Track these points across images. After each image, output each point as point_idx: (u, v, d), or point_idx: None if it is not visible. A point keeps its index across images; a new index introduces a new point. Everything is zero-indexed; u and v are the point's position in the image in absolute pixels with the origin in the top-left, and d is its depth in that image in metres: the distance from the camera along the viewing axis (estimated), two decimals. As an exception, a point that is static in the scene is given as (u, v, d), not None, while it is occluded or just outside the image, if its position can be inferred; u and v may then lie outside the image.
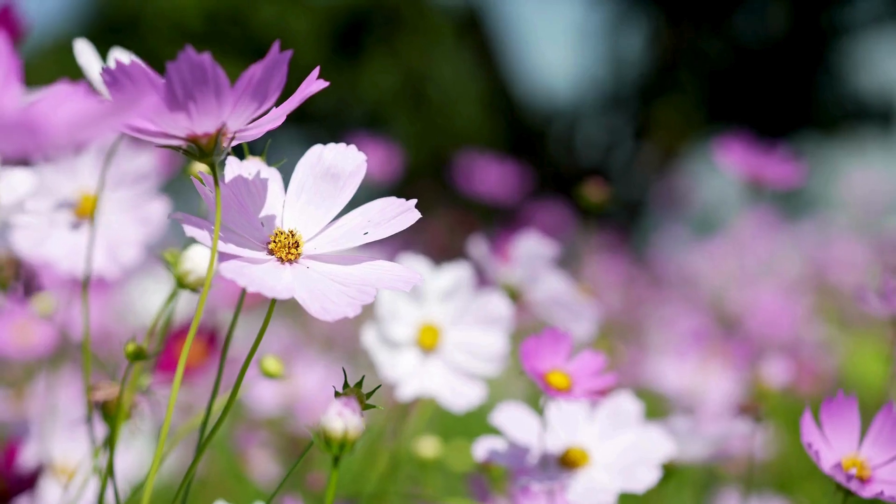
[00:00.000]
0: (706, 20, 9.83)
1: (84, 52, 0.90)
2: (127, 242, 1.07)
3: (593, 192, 1.72)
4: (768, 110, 9.49)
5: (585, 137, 10.09)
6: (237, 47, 8.36)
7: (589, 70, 10.52)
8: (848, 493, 0.83)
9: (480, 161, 3.77)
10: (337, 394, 0.75)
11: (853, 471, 0.83)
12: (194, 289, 0.87)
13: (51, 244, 1.05)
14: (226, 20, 8.99)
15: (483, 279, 1.25)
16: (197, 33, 8.76)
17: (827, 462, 0.83)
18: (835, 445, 0.85)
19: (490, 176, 3.70)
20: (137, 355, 0.84)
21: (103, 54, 0.95)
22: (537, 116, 10.11)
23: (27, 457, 1.04)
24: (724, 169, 1.93)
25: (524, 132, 9.82)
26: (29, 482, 0.99)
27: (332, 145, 0.75)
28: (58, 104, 0.53)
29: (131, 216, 1.08)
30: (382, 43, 9.42)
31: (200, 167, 1.05)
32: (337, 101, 8.77)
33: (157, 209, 1.08)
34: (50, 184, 1.07)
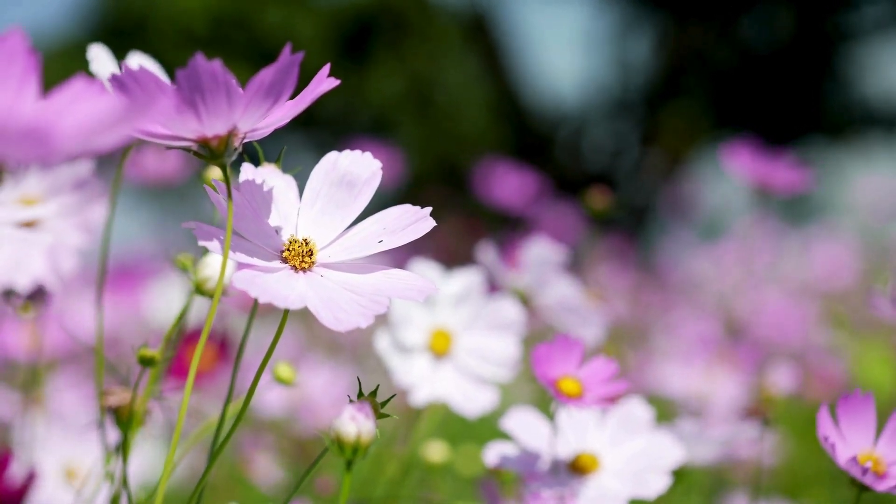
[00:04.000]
0: (713, 25, 9.83)
1: (99, 57, 0.89)
2: (67, 250, 1.04)
3: (597, 199, 1.73)
4: (775, 116, 9.49)
5: (592, 143, 10.09)
6: (243, 52, 8.36)
7: (596, 75, 10.52)
8: (862, 488, 0.84)
9: (497, 167, 3.78)
10: (352, 401, 0.75)
11: (868, 464, 0.83)
12: (213, 296, 0.87)
13: None
14: (231, 24, 8.99)
15: (493, 285, 1.25)
16: (203, 37, 8.76)
17: (842, 456, 0.84)
18: (850, 441, 0.86)
19: (505, 183, 3.71)
20: (149, 361, 0.85)
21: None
22: (544, 121, 10.11)
23: (19, 466, 1.03)
24: (731, 174, 1.93)
25: (531, 137, 9.82)
26: (20, 493, 0.99)
27: (347, 152, 0.75)
28: (69, 107, 0.52)
29: (72, 223, 1.06)
30: (389, 48, 9.43)
31: (217, 173, 1.05)
32: (343, 106, 8.77)
33: (99, 215, 1.06)
34: None
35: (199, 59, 0.62)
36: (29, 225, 1.05)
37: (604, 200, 1.73)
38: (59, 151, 0.51)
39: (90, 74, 0.89)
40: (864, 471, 0.83)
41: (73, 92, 0.53)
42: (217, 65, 0.62)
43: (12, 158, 0.52)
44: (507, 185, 3.69)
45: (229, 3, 9.03)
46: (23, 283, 1.02)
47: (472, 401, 1.13)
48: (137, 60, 0.93)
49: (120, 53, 0.96)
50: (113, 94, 0.53)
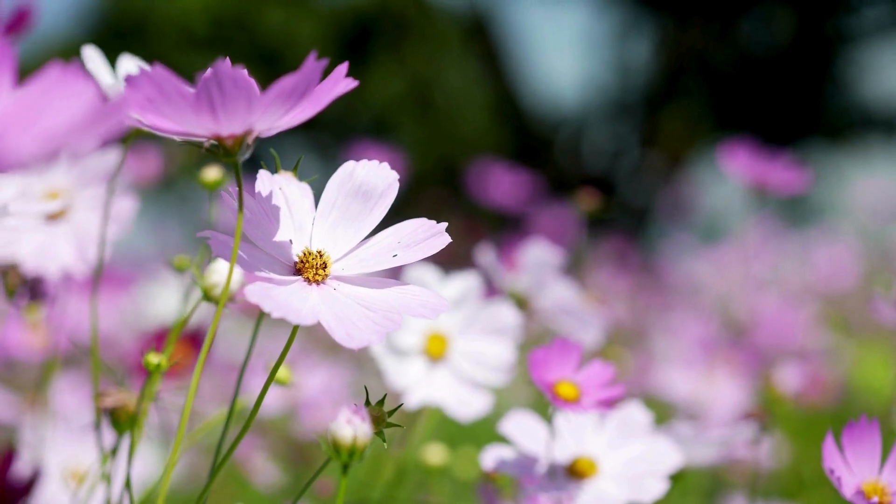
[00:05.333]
0: (713, 27, 9.83)
1: (92, 58, 0.89)
2: (94, 240, 1.06)
3: (586, 200, 1.74)
4: (774, 118, 9.49)
5: (592, 144, 10.09)
6: (243, 53, 8.36)
7: (595, 77, 10.52)
8: (870, 519, 0.83)
9: (492, 168, 3.78)
10: (367, 404, 0.75)
11: (876, 499, 0.82)
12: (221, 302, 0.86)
13: (21, 243, 1.04)
14: (232, 25, 8.99)
15: (491, 287, 1.25)
16: (203, 38, 8.76)
17: (849, 489, 0.83)
18: (856, 470, 0.84)
19: (501, 183, 3.71)
20: (158, 367, 0.84)
21: (110, 60, 0.94)
22: (544, 123, 10.11)
23: (23, 464, 1.03)
24: (729, 174, 1.93)
25: (530, 139, 9.82)
26: (24, 491, 0.99)
27: (364, 162, 0.74)
28: (41, 100, 0.50)
29: (101, 214, 1.07)
30: (389, 49, 9.43)
31: (213, 173, 1.04)
32: (343, 107, 8.77)
33: (126, 207, 1.08)
34: (21, 183, 1.06)
35: (223, 64, 0.61)
36: (57, 216, 1.06)
37: (592, 201, 1.74)
38: (17, 163, 0.49)
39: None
40: None
41: (48, 82, 0.51)
42: (240, 71, 0.61)
43: None
44: (502, 185, 3.70)
45: (229, 4, 9.03)
46: (52, 270, 1.03)
47: (467, 405, 1.13)
48: (131, 63, 0.93)
49: (120, 54, 0.95)
50: (90, 82, 0.51)
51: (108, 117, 0.50)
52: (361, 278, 0.71)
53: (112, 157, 1.08)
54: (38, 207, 1.04)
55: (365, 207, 0.73)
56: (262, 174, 0.73)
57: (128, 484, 0.86)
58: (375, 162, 0.74)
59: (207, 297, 0.86)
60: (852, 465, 0.85)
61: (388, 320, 0.66)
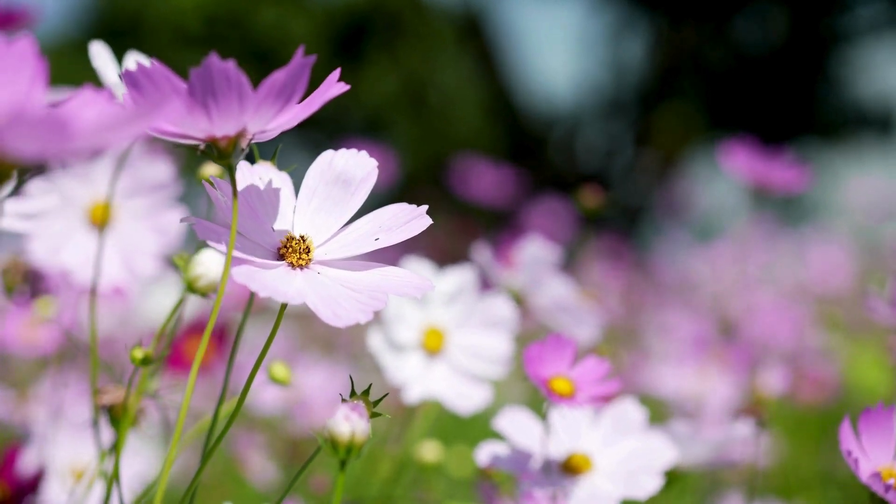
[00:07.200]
0: (707, 26, 9.83)
1: (100, 54, 0.89)
2: (142, 252, 1.06)
3: (589, 197, 1.74)
4: (769, 117, 9.49)
5: (586, 143, 10.09)
6: (237, 51, 8.35)
7: (590, 76, 10.52)
8: (882, 504, 0.84)
9: (478, 165, 3.78)
10: (344, 400, 0.75)
11: (892, 481, 0.83)
12: (204, 294, 0.87)
13: (67, 253, 1.05)
14: (226, 24, 8.98)
15: (486, 285, 1.25)
16: (197, 37, 8.75)
17: (865, 472, 0.84)
18: (871, 456, 0.85)
19: (487, 180, 3.71)
20: (144, 361, 0.85)
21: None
22: (538, 122, 10.11)
23: (29, 461, 1.04)
24: (729, 174, 1.92)
25: (525, 138, 9.82)
26: (30, 487, 0.99)
27: (342, 151, 0.75)
28: (84, 106, 0.53)
29: (147, 225, 1.07)
30: (383, 48, 9.42)
31: (212, 170, 1.05)
32: (337, 106, 8.77)
33: (174, 219, 1.08)
34: (66, 191, 1.06)
35: (213, 59, 0.61)
36: (102, 225, 1.06)
37: (596, 198, 1.74)
38: (76, 145, 0.51)
39: (90, 76, 0.89)
40: (888, 488, 0.83)
41: (83, 98, 0.54)
42: (231, 65, 0.62)
43: (28, 152, 0.52)
44: (485, 181, 3.70)
45: (223, 3, 9.02)
46: (102, 284, 1.03)
47: (466, 398, 1.13)
48: (135, 59, 0.93)
49: (115, 52, 0.96)
50: (119, 102, 0.53)
51: (134, 125, 0.52)
52: (344, 262, 0.72)
53: (162, 167, 1.08)
54: (28, 206, 1.04)
55: (346, 194, 0.74)
56: (242, 164, 0.73)
57: (116, 479, 0.86)
58: (354, 151, 0.75)
59: (191, 288, 0.87)
60: (868, 450, 0.86)
61: (374, 299, 0.67)
